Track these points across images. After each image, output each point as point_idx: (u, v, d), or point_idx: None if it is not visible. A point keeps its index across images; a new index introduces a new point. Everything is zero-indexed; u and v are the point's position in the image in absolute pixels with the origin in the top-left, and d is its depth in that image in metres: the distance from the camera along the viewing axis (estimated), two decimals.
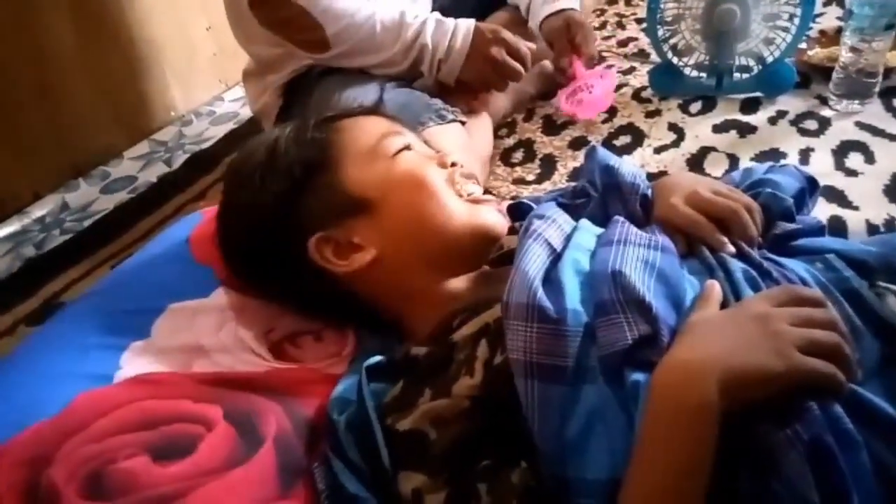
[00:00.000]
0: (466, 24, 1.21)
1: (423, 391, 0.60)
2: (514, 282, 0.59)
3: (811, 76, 1.26)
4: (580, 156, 1.22)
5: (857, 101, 1.15)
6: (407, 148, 0.75)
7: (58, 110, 1.59)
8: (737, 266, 0.64)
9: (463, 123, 1.21)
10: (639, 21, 1.67)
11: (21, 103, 1.52)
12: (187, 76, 1.88)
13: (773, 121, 1.18)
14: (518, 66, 1.20)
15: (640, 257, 0.62)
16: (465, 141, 1.18)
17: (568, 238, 0.67)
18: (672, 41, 1.27)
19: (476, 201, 0.74)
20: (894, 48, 1.14)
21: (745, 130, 1.18)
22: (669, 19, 1.25)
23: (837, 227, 0.92)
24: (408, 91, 1.23)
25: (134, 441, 0.61)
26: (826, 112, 1.17)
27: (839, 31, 1.23)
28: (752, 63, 1.25)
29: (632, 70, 1.45)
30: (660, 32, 1.26)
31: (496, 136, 1.34)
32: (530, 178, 1.21)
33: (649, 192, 0.76)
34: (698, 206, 0.71)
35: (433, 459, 0.56)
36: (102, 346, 0.72)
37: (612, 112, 1.32)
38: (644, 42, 1.54)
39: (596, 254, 0.65)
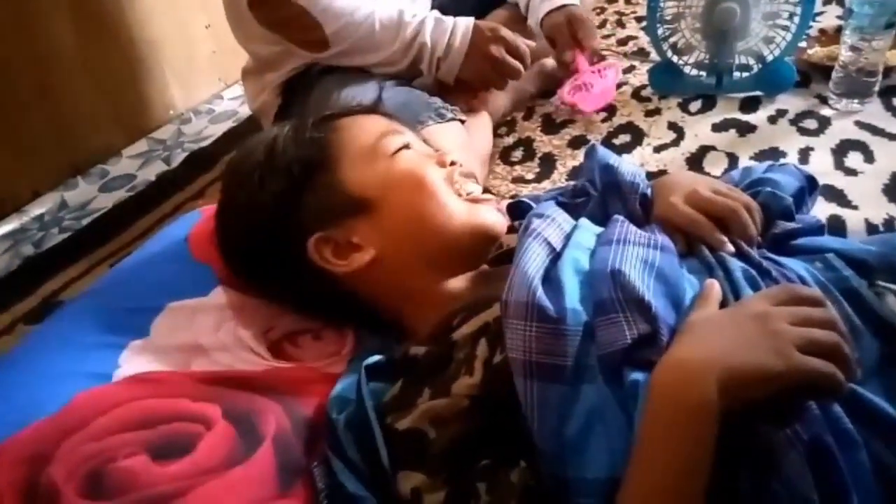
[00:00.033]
0: (465, 23, 1.21)
1: (422, 390, 0.60)
2: (513, 281, 0.59)
3: (811, 75, 1.26)
4: (580, 154, 1.22)
5: (856, 101, 1.15)
6: (406, 147, 0.74)
7: (57, 109, 1.59)
8: (736, 265, 0.64)
9: (462, 122, 1.21)
10: (639, 19, 1.67)
11: (20, 102, 1.52)
12: (186, 74, 1.88)
13: (772, 120, 1.18)
14: (517, 64, 1.20)
15: (639, 256, 0.62)
16: (464, 139, 1.18)
17: (567, 237, 0.67)
18: (672, 40, 1.27)
19: (475, 200, 0.74)
20: (894, 47, 1.14)
21: (745, 129, 1.17)
22: (669, 18, 1.25)
23: (837, 227, 0.92)
24: (407, 90, 1.23)
25: (133, 440, 0.61)
26: (826, 111, 1.17)
27: (839, 29, 1.23)
28: (751, 62, 1.25)
29: (631, 69, 1.45)
30: (660, 31, 1.26)
31: (496, 135, 1.34)
32: (530, 176, 1.21)
33: (649, 191, 0.76)
34: (698, 205, 0.71)
35: (432, 459, 0.56)
36: (101, 344, 0.72)
37: (611, 111, 1.32)
38: (644, 41, 1.54)
39: (595, 253, 0.64)
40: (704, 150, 1.15)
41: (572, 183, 0.93)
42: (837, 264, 0.64)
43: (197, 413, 0.65)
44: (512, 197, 1.13)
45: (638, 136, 1.24)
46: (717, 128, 1.20)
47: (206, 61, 1.93)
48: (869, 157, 1.05)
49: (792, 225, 0.73)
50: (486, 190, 1.18)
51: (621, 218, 0.70)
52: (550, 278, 0.60)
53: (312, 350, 0.78)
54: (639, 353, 0.55)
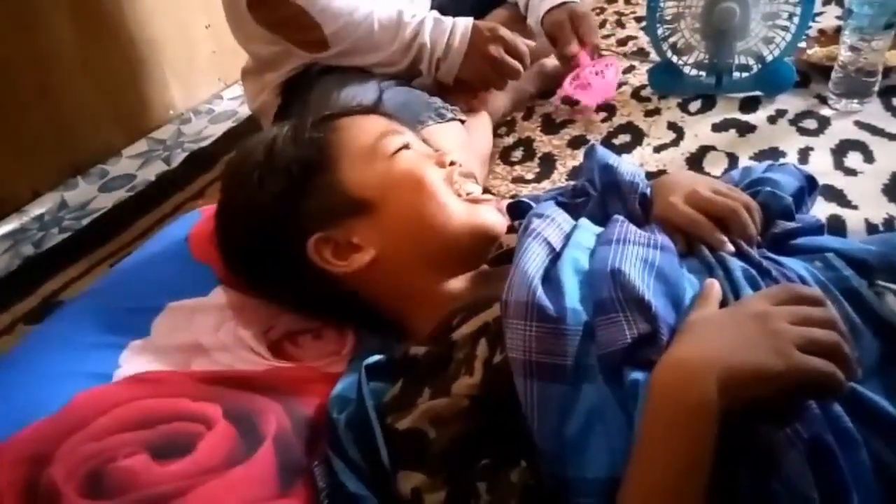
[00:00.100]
0: (464, 23, 1.21)
1: (422, 390, 0.60)
2: (513, 280, 0.59)
3: (810, 75, 1.26)
4: (579, 154, 1.22)
5: (856, 101, 1.15)
6: (406, 147, 0.74)
7: (57, 109, 1.59)
8: (736, 265, 0.64)
9: (462, 122, 1.21)
10: (638, 20, 1.67)
11: (20, 102, 1.52)
12: (186, 74, 1.88)
13: (772, 120, 1.18)
14: (517, 64, 1.20)
15: (639, 256, 0.62)
16: (464, 139, 1.18)
17: (567, 237, 0.67)
18: (671, 40, 1.27)
19: (475, 201, 0.74)
20: (893, 47, 1.14)
21: (745, 129, 1.17)
22: (669, 18, 1.25)
23: (837, 227, 0.92)
24: (407, 90, 1.23)
25: (133, 440, 0.61)
26: (825, 111, 1.17)
27: (838, 30, 1.23)
28: (751, 62, 1.25)
29: (631, 69, 1.45)
30: (659, 31, 1.26)
31: (495, 135, 1.34)
32: (529, 176, 1.21)
33: (648, 190, 0.76)
34: (697, 204, 0.71)
35: (432, 458, 0.56)
36: (101, 344, 0.72)
37: (611, 111, 1.32)
38: (643, 41, 1.54)
39: (595, 252, 0.65)
40: (704, 150, 1.15)
41: (572, 183, 0.93)
42: (837, 264, 0.64)
43: (197, 413, 0.65)
44: (512, 197, 1.13)
45: (638, 136, 1.24)
46: (716, 128, 1.20)
47: (206, 61, 1.93)
48: (868, 157, 1.05)
49: (792, 224, 0.73)
50: (486, 190, 1.18)
51: (621, 218, 0.70)
52: (550, 278, 0.60)
53: (313, 350, 0.78)
54: (639, 352, 0.55)
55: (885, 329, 0.59)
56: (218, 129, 1.77)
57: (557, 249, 0.65)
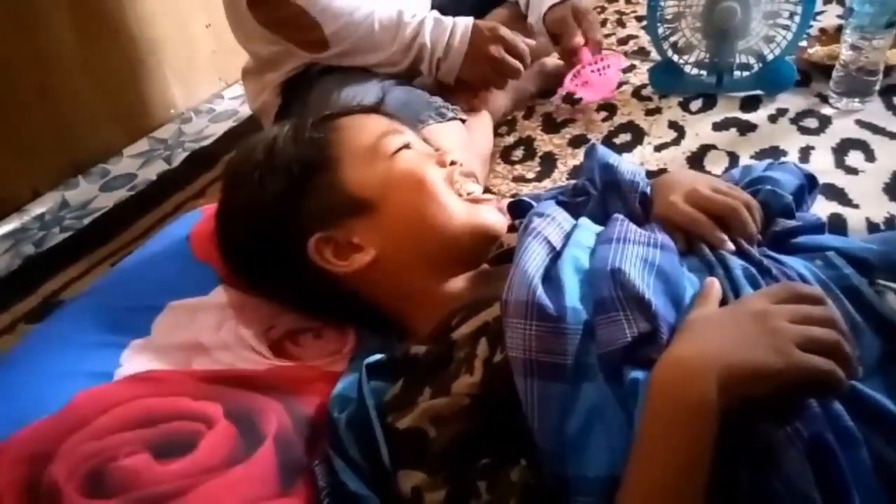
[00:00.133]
0: (465, 23, 1.20)
1: (422, 389, 0.60)
2: (513, 280, 0.59)
3: (811, 74, 1.26)
4: (580, 154, 1.22)
5: (857, 100, 1.15)
6: (406, 147, 0.74)
7: (57, 108, 1.59)
8: (736, 263, 0.64)
9: (463, 121, 1.21)
10: (639, 19, 1.67)
11: (21, 101, 1.52)
12: (187, 74, 1.88)
13: (773, 119, 1.18)
14: (517, 63, 1.20)
15: (639, 255, 0.62)
16: (465, 139, 1.18)
17: (567, 236, 0.67)
18: (672, 39, 1.27)
19: (476, 200, 0.74)
20: (895, 46, 1.14)
21: (746, 128, 1.17)
22: (670, 17, 1.25)
23: (837, 225, 0.92)
24: (408, 89, 1.23)
25: (134, 439, 0.62)
26: (826, 110, 1.17)
27: (839, 28, 1.23)
28: (752, 61, 1.25)
29: (632, 68, 1.45)
30: (660, 30, 1.26)
31: (496, 134, 1.34)
32: (530, 175, 1.21)
33: (648, 189, 0.76)
34: (697, 203, 0.71)
35: (433, 458, 0.56)
36: (102, 343, 0.72)
37: (612, 110, 1.32)
38: (644, 40, 1.54)
39: (595, 251, 0.65)
40: (705, 149, 1.15)
41: (573, 182, 0.93)
42: (838, 262, 0.64)
43: (198, 412, 0.65)
44: (512, 196, 1.13)
45: (638, 135, 1.24)
46: (717, 127, 1.20)
47: (206, 61, 1.93)
48: (870, 156, 1.05)
49: (792, 223, 0.73)
50: (486, 189, 1.18)
51: (621, 217, 0.70)
52: (550, 277, 0.60)
53: (313, 349, 0.78)
54: (639, 351, 0.55)
55: (886, 328, 0.59)
56: (219, 129, 1.77)
57: (558, 248, 0.65)
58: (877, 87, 1.14)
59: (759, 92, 1.25)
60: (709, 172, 1.08)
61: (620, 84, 1.38)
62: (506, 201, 0.86)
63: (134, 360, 0.71)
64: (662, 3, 1.23)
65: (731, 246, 0.68)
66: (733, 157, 1.11)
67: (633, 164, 0.82)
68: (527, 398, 0.55)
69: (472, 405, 0.57)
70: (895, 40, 1.12)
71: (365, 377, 0.63)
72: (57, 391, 0.66)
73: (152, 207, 1.47)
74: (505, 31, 1.20)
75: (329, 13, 1.17)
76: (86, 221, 1.47)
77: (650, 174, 0.96)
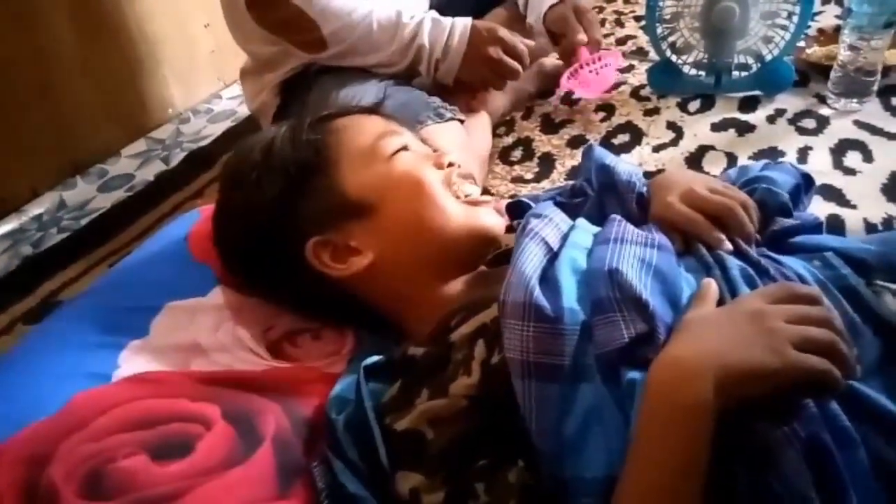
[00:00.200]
0: (463, 23, 1.20)
1: (420, 391, 0.60)
2: (510, 281, 0.59)
3: (810, 74, 1.26)
4: (579, 154, 1.21)
5: (855, 100, 1.15)
6: (404, 149, 0.74)
7: (56, 108, 1.59)
8: (734, 263, 0.64)
9: (461, 122, 1.21)
10: (637, 19, 1.67)
11: (19, 101, 1.52)
12: (185, 74, 1.88)
13: (771, 119, 1.18)
14: (516, 64, 1.20)
15: (637, 255, 0.62)
16: (463, 139, 1.18)
17: (565, 237, 0.67)
18: (671, 39, 1.27)
19: (474, 203, 0.74)
20: (893, 46, 1.14)
21: (744, 129, 1.17)
22: (668, 17, 1.25)
23: (836, 226, 0.92)
24: (406, 89, 1.22)
25: (132, 440, 0.61)
26: (824, 111, 1.17)
27: (838, 29, 1.23)
28: (750, 61, 1.25)
29: (630, 68, 1.45)
30: (658, 30, 1.26)
31: (495, 135, 1.34)
32: (529, 176, 1.21)
33: (645, 190, 0.76)
34: (694, 203, 0.71)
35: (430, 459, 0.56)
36: (101, 344, 0.72)
37: (610, 110, 1.32)
38: (643, 40, 1.54)
39: (593, 252, 0.65)
40: (703, 149, 1.15)
41: (571, 183, 0.93)
42: (836, 263, 0.64)
43: (196, 413, 0.65)
44: (511, 197, 1.13)
45: (637, 135, 1.24)
46: (716, 127, 1.20)
47: (205, 61, 1.93)
48: (868, 157, 1.05)
49: (790, 221, 0.73)
50: (485, 190, 1.18)
51: (618, 217, 0.70)
52: (548, 278, 0.60)
53: (312, 350, 0.78)
54: (636, 352, 0.55)
55: (884, 328, 0.59)
56: (217, 129, 1.77)
57: (555, 249, 0.65)
58: (875, 88, 1.14)
59: (757, 92, 1.25)
60: (707, 173, 1.08)
61: (619, 84, 1.38)
62: (504, 202, 0.86)
63: (132, 361, 0.71)
64: (661, 4, 1.23)
65: (728, 246, 0.68)
66: (731, 158, 1.11)
67: (630, 165, 0.82)
68: (524, 399, 0.55)
69: (470, 406, 0.57)
70: (893, 41, 1.12)
71: (363, 378, 0.63)
72: (55, 392, 0.66)
73: (150, 208, 1.47)
74: (504, 32, 1.20)
75: (327, 14, 1.17)
76: (84, 222, 1.47)
77: (648, 175, 0.96)
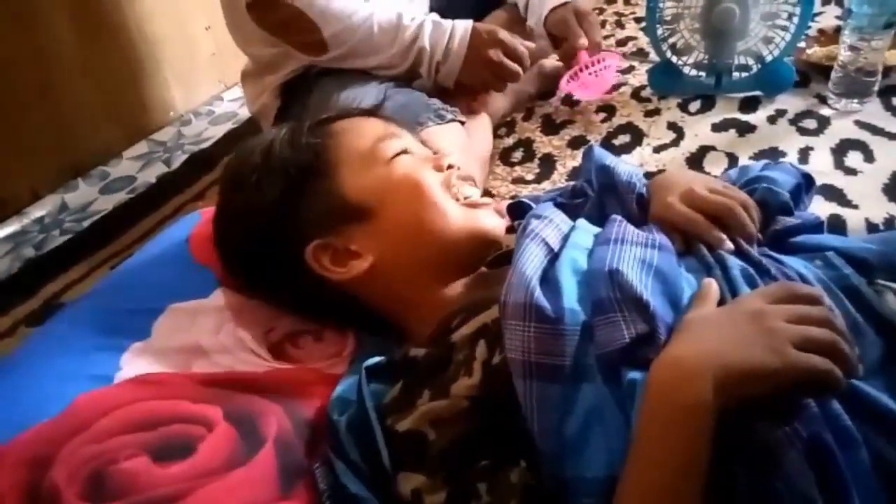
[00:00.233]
0: (464, 26, 1.20)
1: (421, 392, 0.60)
2: (511, 282, 0.59)
3: (810, 75, 1.26)
4: (579, 155, 1.21)
5: (856, 100, 1.15)
6: (404, 152, 0.74)
7: (57, 110, 1.59)
8: (734, 263, 0.64)
9: (462, 123, 1.21)
10: (638, 20, 1.67)
11: (20, 103, 1.52)
12: (186, 76, 1.88)
13: (772, 120, 1.18)
14: (516, 67, 1.20)
15: (637, 256, 0.62)
16: (464, 141, 1.18)
17: (565, 238, 0.67)
18: (671, 40, 1.27)
19: (473, 205, 0.74)
20: (893, 47, 1.14)
21: (745, 129, 1.17)
22: (668, 18, 1.25)
23: (837, 226, 0.92)
24: (407, 91, 1.22)
25: (134, 442, 0.62)
26: (825, 111, 1.17)
27: (838, 29, 1.23)
28: (751, 62, 1.25)
29: (631, 69, 1.45)
30: (659, 31, 1.26)
31: (495, 136, 1.34)
32: (529, 177, 1.21)
33: (645, 190, 0.76)
34: (694, 203, 0.71)
35: (432, 460, 0.57)
36: (102, 346, 0.72)
37: (611, 111, 1.33)
38: (643, 41, 1.54)
39: (593, 253, 0.65)
40: (704, 150, 1.15)
41: (571, 184, 0.93)
42: (838, 262, 0.64)
43: (198, 415, 0.65)
44: (512, 197, 1.13)
45: (637, 136, 1.24)
46: (716, 128, 1.20)
47: (206, 63, 1.93)
48: (869, 157, 1.05)
49: (792, 220, 0.73)
50: (486, 191, 1.18)
51: (619, 218, 0.70)
52: (548, 279, 0.60)
53: (313, 351, 0.78)
54: (637, 352, 0.55)
55: (885, 328, 0.59)
56: (218, 131, 1.77)
57: (556, 250, 0.65)
58: (875, 88, 1.14)
59: (757, 93, 1.25)
60: (708, 173, 1.08)
61: (619, 85, 1.39)
62: (505, 203, 0.86)
63: (134, 363, 0.71)
64: (661, 5, 1.23)
65: (729, 245, 0.68)
66: (732, 159, 1.11)
67: (630, 166, 0.82)
68: (526, 400, 0.55)
69: (472, 407, 0.57)
70: (894, 41, 1.12)
71: (364, 379, 0.63)
72: (57, 394, 0.66)
73: (152, 210, 1.47)
74: (504, 35, 1.20)
75: (328, 16, 1.17)
76: (85, 224, 1.47)
77: (649, 175, 0.96)
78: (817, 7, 1.43)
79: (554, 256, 0.64)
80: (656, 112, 1.29)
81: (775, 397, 0.49)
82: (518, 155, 1.29)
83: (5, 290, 1.27)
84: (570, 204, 0.83)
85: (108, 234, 1.40)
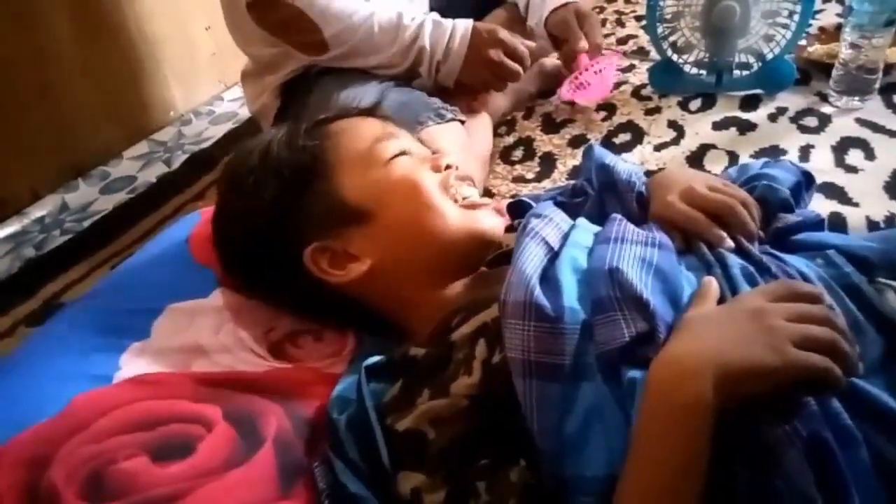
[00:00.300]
0: (464, 25, 1.20)
1: (421, 391, 0.60)
2: (511, 281, 0.59)
3: (811, 73, 1.25)
4: (580, 154, 1.21)
5: (857, 98, 1.14)
6: (401, 153, 0.74)
7: (57, 110, 1.59)
8: (735, 262, 0.64)
9: (462, 122, 1.21)
10: (638, 18, 1.67)
11: (21, 103, 1.52)
12: (187, 76, 1.88)
13: (773, 118, 1.18)
14: (516, 66, 1.20)
15: (637, 255, 0.62)
16: (464, 140, 1.18)
17: (565, 236, 0.67)
18: (672, 38, 1.27)
19: (472, 206, 0.74)
20: (894, 44, 1.14)
21: (745, 128, 1.17)
22: (669, 17, 1.25)
23: (837, 224, 0.92)
24: (407, 90, 1.22)
25: (133, 441, 0.62)
26: (826, 109, 1.17)
27: (839, 27, 1.23)
28: (751, 60, 1.24)
29: (631, 67, 1.45)
30: (659, 30, 1.26)
31: (496, 135, 1.34)
32: (530, 176, 1.21)
33: (645, 189, 0.76)
34: (694, 202, 0.71)
35: (432, 459, 0.56)
36: (102, 346, 0.72)
37: (611, 110, 1.32)
38: (644, 39, 1.53)
39: (593, 251, 0.64)
40: (705, 148, 1.15)
41: (571, 182, 0.93)
42: (838, 261, 0.64)
43: (197, 414, 0.65)
44: (512, 196, 1.13)
45: (638, 134, 1.23)
46: (717, 126, 1.19)
47: (206, 63, 1.93)
48: (869, 155, 1.05)
49: (793, 218, 0.73)
50: (486, 190, 1.18)
51: (619, 216, 0.70)
52: (548, 277, 0.60)
53: (313, 351, 0.78)
54: (637, 350, 0.55)
55: (886, 326, 0.58)
56: (218, 131, 1.77)
57: (556, 249, 0.65)
58: (876, 86, 1.14)
59: (758, 91, 1.25)
60: (708, 172, 1.08)
61: (620, 84, 1.38)
62: (505, 202, 0.86)
63: (133, 363, 0.71)
64: (661, 3, 1.23)
65: (730, 243, 0.68)
66: (733, 157, 1.11)
67: (630, 164, 0.82)
68: (525, 398, 0.55)
69: (471, 406, 0.57)
70: (895, 38, 1.11)
71: (364, 379, 0.63)
72: (57, 394, 0.66)
73: (152, 210, 1.47)
74: (504, 34, 1.20)
75: (328, 15, 1.17)
76: (86, 224, 1.47)
77: (649, 174, 0.96)
78: (818, 4, 1.42)
79: (554, 255, 0.64)
80: (657, 110, 1.28)
81: (775, 396, 0.49)
82: (518, 154, 1.28)
83: (5, 290, 1.28)
84: (571, 203, 0.82)
85: (108, 234, 1.40)
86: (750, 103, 1.23)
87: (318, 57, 1.22)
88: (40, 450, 0.61)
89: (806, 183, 0.80)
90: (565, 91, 1.30)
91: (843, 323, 0.52)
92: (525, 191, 1.17)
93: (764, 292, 0.55)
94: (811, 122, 1.15)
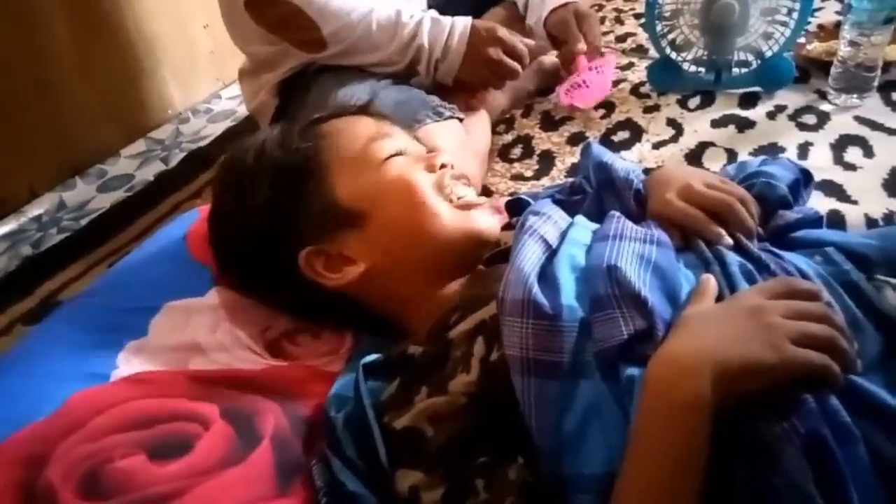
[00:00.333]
0: (463, 23, 1.20)
1: (419, 389, 0.60)
2: (509, 278, 0.59)
3: (810, 70, 1.25)
4: (578, 151, 1.21)
5: (855, 96, 1.14)
6: (396, 154, 0.74)
7: (55, 108, 1.59)
8: (733, 259, 0.64)
9: (460, 120, 1.20)
10: (637, 16, 1.66)
11: (18, 101, 1.52)
12: (185, 74, 1.88)
13: (771, 115, 1.18)
14: (515, 65, 1.20)
15: (635, 252, 0.62)
16: (462, 138, 1.18)
17: (564, 234, 0.67)
18: (670, 36, 1.27)
19: (467, 206, 0.74)
20: (893, 42, 1.14)
21: (744, 125, 1.17)
22: (668, 14, 1.24)
23: (836, 222, 0.91)
24: (405, 88, 1.22)
25: (130, 440, 0.61)
26: (825, 106, 1.17)
27: (838, 25, 1.23)
28: (750, 58, 1.24)
29: (630, 65, 1.44)
30: (658, 27, 1.26)
31: (494, 133, 1.34)
32: (528, 174, 1.21)
33: (643, 186, 0.76)
34: (692, 199, 0.70)
35: (430, 457, 0.56)
36: (99, 345, 0.72)
37: (610, 107, 1.32)
38: (642, 37, 1.53)
39: (592, 249, 0.64)
40: (703, 146, 1.15)
41: (570, 180, 0.93)
42: (837, 258, 0.64)
43: (195, 412, 0.65)
44: (511, 194, 1.13)
45: (637, 132, 1.23)
46: (716, 124, 1.19)
47: (204, 61, 1.93)
48: (868, 152, 1.05)
49: (792, 215, 0.73)
50: (485, 188, 1.18)
51: (617, 214, 0.69)
52: (546, 275, 0.60)
53: (311, 349, 0.78)
54: (635, 348, 0.54)
55: (885, 323, 0.58)
56: (216, 129, 1.77)
57: (554, 247, 0.65)
58: (875, 83, 1.14)
59: (757, 89, 1.24)
60: (707, 169, 1.08)
61: (618, 81, 1.38)
62: (504, 200, 0.86)
63: (131, 362, 0.71)
64: (660, 1, 1.23)
65: (728, 240, 0.67)
66: (732, 154, 1.11)
67: (628, 162, 0.82)
68: (524, 396, 0.55)
69: (469, 404, 0.57)
70: (893, 36, 1.11)
71: (362, 377, 0.63)
72: (53, 393, 0.66)
73: (149, 208, 1.47)
74: (503, 32, 1.20)
75: (326, 14, 1.16)
76: (83, 222, 1.47)
77: (648, 172, 0.96)
78: (817, 2, 1.43)
79: (552, 253, 0.64)
80: (655, 108, 1.28)
81: (773, 393, 0.49)
82: (517, 151, 1.28)
83: (2, 289, 1.27)
84: (569, 200, 0.82)
85: (105, 232, 1.40)
86: (749, 101, 1.23)
87: (317, 55, 1.21)
88: (37, 448, 0.60)
89: (804, 180, 0.79)
90: (563, 96, 1.30)
91: (842, 320, 0.52)
92: (524, 189, 1.16)
93: (762, 290, 0.55)
94: (810, 119, 1.14)
